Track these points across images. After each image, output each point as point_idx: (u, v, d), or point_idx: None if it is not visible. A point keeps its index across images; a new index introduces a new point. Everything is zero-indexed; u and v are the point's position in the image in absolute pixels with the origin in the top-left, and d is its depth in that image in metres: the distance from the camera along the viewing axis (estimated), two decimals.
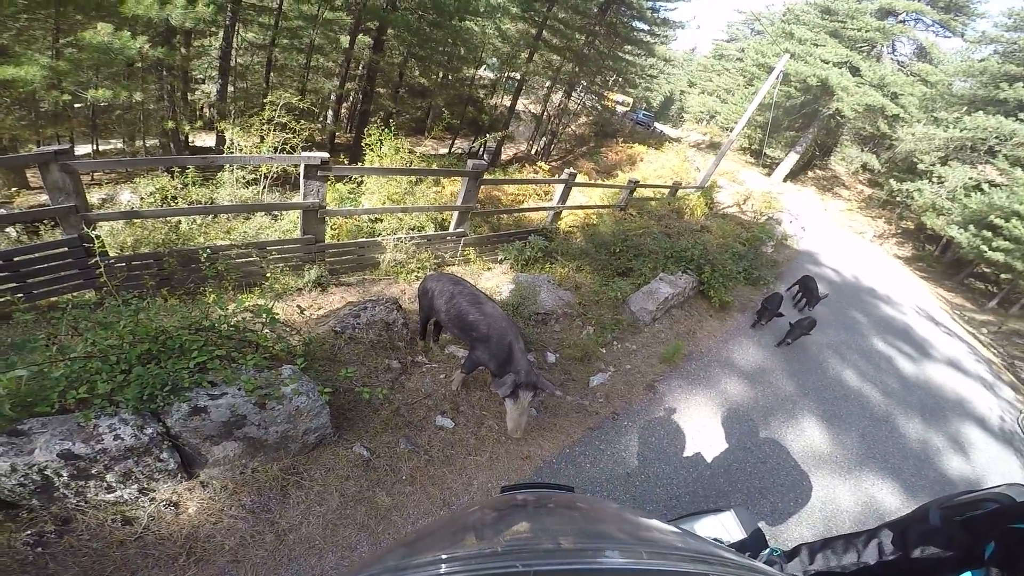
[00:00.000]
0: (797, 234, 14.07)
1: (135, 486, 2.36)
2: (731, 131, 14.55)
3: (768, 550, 1.73)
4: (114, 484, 2.30)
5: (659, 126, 35.88)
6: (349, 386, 3.36)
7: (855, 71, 21.83)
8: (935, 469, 5.17)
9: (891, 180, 20.34)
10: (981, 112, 16.53)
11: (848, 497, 4.26)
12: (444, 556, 0.84)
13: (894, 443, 5.32)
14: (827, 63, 21.48)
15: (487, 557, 0.86)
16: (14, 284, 3.42)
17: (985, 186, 15.70)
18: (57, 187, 3.33)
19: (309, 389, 2.77)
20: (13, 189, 9.85)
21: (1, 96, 9.12)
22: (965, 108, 18.10)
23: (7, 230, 5.07)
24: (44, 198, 4.50)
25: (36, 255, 3.47)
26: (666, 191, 11.09)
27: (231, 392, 2.50)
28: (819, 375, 6.23)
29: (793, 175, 26.90)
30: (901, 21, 22.69)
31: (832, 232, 18.32)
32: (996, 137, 16.32)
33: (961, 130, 17.02)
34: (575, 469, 3.57)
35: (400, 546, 1.22)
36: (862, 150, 24.46)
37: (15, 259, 3.39)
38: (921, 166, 18.55)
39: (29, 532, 2.15)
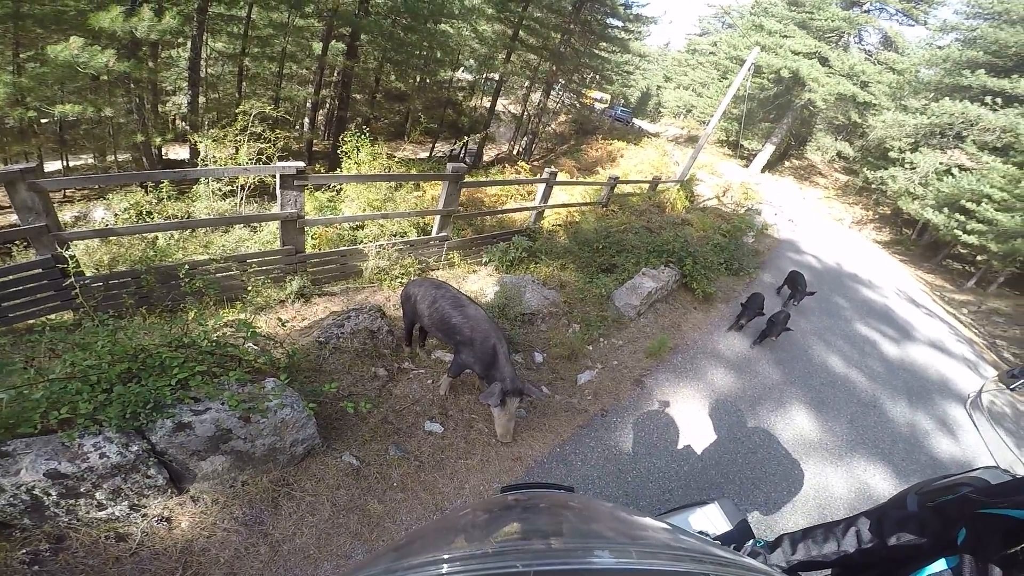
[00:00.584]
0: (778, 223, 14.30)
1: (125, 503, 2.36)
2: (707, 124, 14.74)
3: (752, 541, 1.74)
4: (104, 501, 2.29)
5: (638, 122, 36.12)
6: (336, 397, 3.35)
7: (824, 62, 22.27)
8: (925, 452, 5.23)
9: (865, 168, 20.77)
10: (947, 98, 16.95)
11: (840, 484, 4.32)
12: (444, 556, 0.85)
13: (883, 427, 5.40)
14: (797, 54, 21.88)
15: (487, 557, 0.86)
16: None
17: (955, 171, 16.11)
18: (26, 206, 3.27)
19: (294, 401, 2.76)
20: None
21: None
22: (932, 95, 18.52)
23: None
24: (14, 218, 4.39)
25: (9, 277, 3.40)
26: (646, 186, 11.19)
27: (215, 407, 2.49)
28: (805, 362, 6.31)
29: (771, 166, 27.32)
30: (866, 11, 23.18)
31: (811, 220, 18.61)
32: (963, 122, 16.73)
33: (929, 116, 17.42)
34: (566, 468, 3.59)
35: (393, 549, 1.23)
36: (836, 139, 24.92)
37: None
38: (893, 153, 18.93)
39: (24, 551, 2.15)
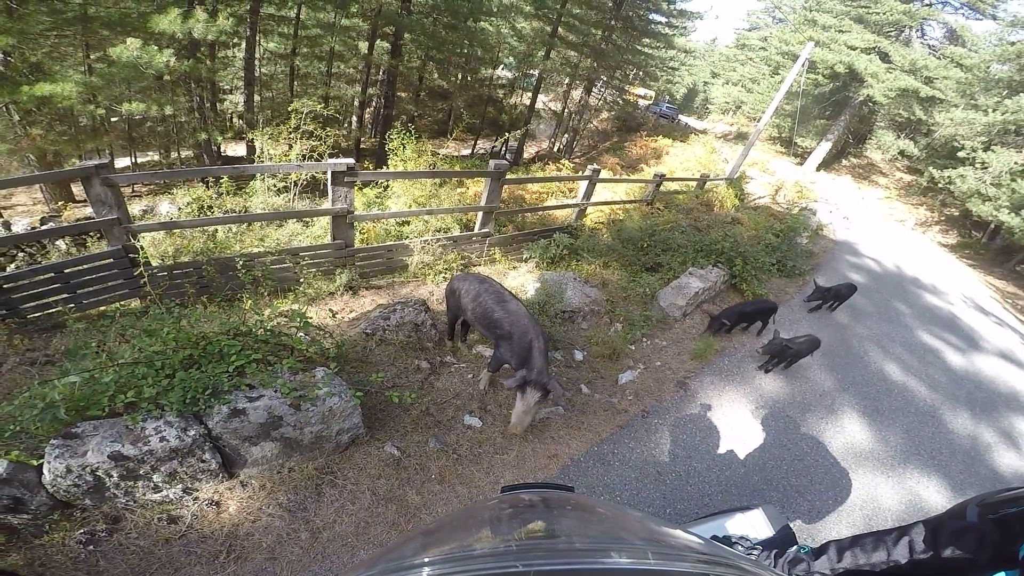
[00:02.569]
0: (834, 223, 13.62)
1: (179, 486, 2.46)
2: (758, 121, 14.18)
3: (796, 547, 1.69)
4: (160, 484, 2.40)
5: (684, 118, 35.18)
6: (380, 388, 3.41)
7: (884, 57, 21.03)
8: (986, 465, 4.90)
9: (931, 168, 19.45)
10: (1022, 95, 15.63)
11: (891, 495, 4.09)
12: (444, 556, 0.86)
13: (941, 438, 5.08)
14: (854, 49, 20.80)
15: (486, 557, 0.87)
16: (66, 295, 3.60)
17: None
18: (100, 200, 3.48)
19: (342, 390, 2.83)
20: (60, 203, 10.36)
21: (41, 112, 9.55)
22: (1005, 92, 17.15)
23: (57, 243, 5.36)
24: (89, 211, 4.74)
25: (84, 266, 3.65)
26: (694, 184, 10.86)
27: (268, 394, 2.58)
28: (860, 369, 6.00)
29: (826, 164, 26.05)
30: (928, 4, 21.75)
31: (871, 221, 17.65)
32: None
33: (1003, 114, 16.12)
34: (604, 468, 3.54)
35: (406, 542, 1.25)
36: (898, 136, 23.47)
37: (66, 270, 3.57)
38: (962, 152, 17.66)
39: (82, 531, 2.27)
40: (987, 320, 10.15)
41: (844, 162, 27.16)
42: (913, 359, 6.76)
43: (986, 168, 16.59)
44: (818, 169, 25.26)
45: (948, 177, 17.88)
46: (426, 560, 0.83)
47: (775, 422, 4.54)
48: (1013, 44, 17.52)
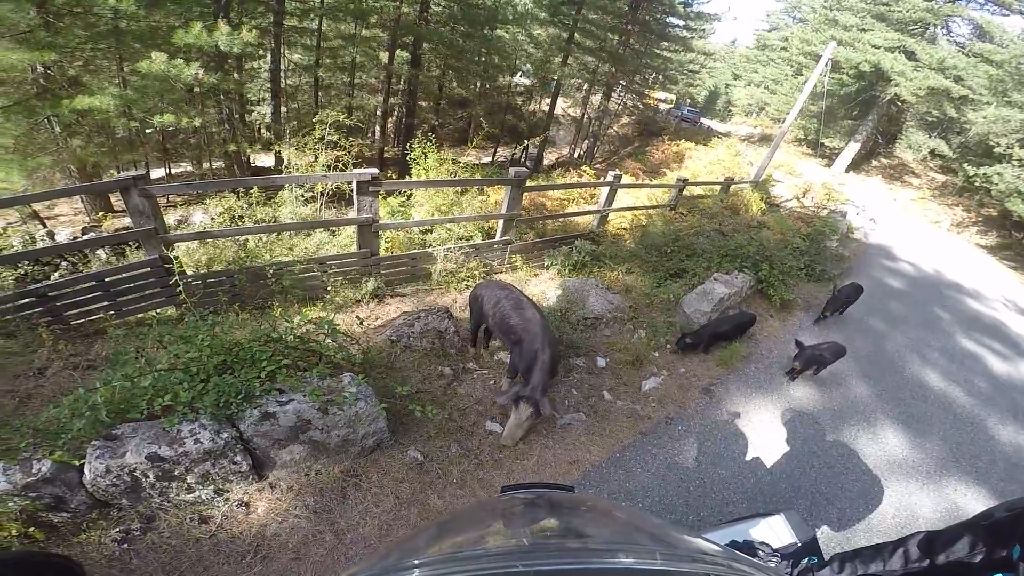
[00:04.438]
0: (865, 226, 13.25)
1: (211, 487, 2.55)
2: (782, 122, 13.93)
3: (807, 559, 1.73)
4: (193, 485, 2.49)
5: (706, 121, 34.76)
6: (404, 399, 3.47)
7: (911, 55, 20.45)
8: None
9: (966, 165, 18.75)
10: None
11: (927, 504, 3.96)
12: (444, 556, 0.86)
13: (982, 447, 4.86)
14: (878, 48, 20.28)
15: (487, 557, 0.87)
16: (106, 302, 3.76)
17: None
18: (138, 211, 3.63)
19: (368, 395, 2.89)
20: (100, 213, 10.82)
21: (81, 125, 9.96)
22: None
23: (98, 252, 5.61)
24: (127, 221, 4.96)
25: (124, 275, 3.81)
26: (718, 188, 10.71)
27: (297, 399, 2.65)
28: (896, 376, 5.82)
29: (855, 165, 25.37)
30: (951, 0, 21.08)
31: (904, 223, 17.16)
32: None
33: None
34: (625, 474, 3.51)
35: (408, 541, 1.26)
36: (930, 136, 22.73)
37: (106, 279, 3.74)
38: (998, 150, 16.99)
39: (118, 529, 2.37)
40: None
41: (874, 163, 26.40)
42: (953, 366, 6.51)
43: None
44: (847, 170, 24.62)
45: (984, 175, 17.22)
46: (427, 560, 0.84)
47: (804, 429, 4.43)
48: None
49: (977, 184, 18.09)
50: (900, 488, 4.03)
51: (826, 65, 12.76)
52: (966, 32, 22.04)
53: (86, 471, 2.27)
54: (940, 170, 24.28)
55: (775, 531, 2.03)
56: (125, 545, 2.33)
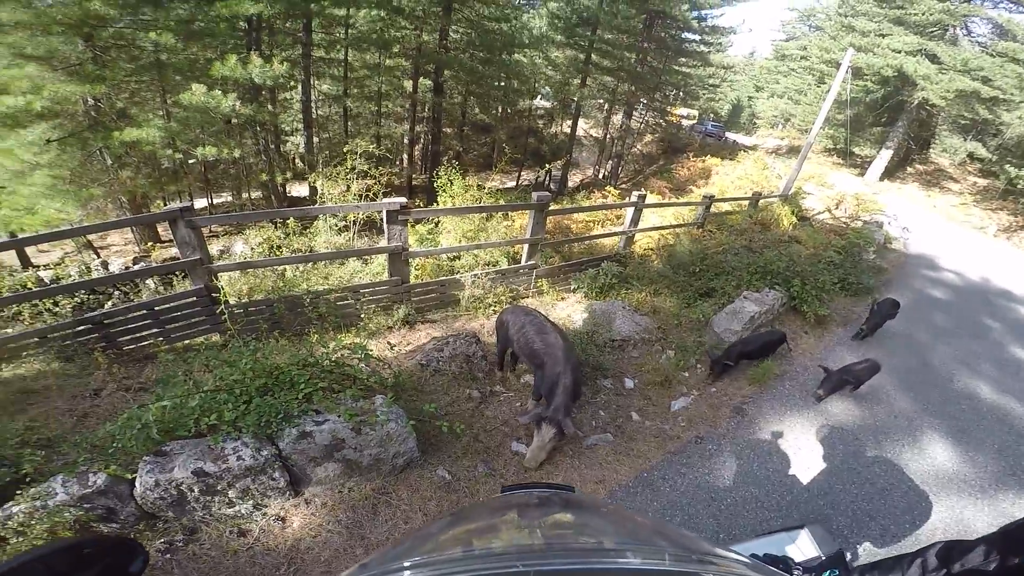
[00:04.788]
0: (903, 236, 12.82)
1: (251, 502, 2.68)
2: (809, 133, 13.73)
3: (828, 571, 1.71)
4: (234, 499, 2.63)
5: (731, 135, 34.47)
6: (434, 415, 3.56)
7: (934, 58, 19.95)
8: None
9: (1007, 167, 17.98)
10: None
11: (981, 518, 3.75)
12: (444, 556, 0.87)
13: None
14: (899, 52, 19.88)
15: (487, 557, 0.87)
16: (156, 329, 4.02)
17: None
18: (185, 242, 3.87)
19: (398, 416, 3.00)
20: (149, 243, 11.47)
21: (130, 156, 10.58)
22: None
23: (147, 281, 5.98)
24: (174, 251, 5.27)
25: (172, 304, 4.06)
26: (746, 203, 10.57)
27: (332, 419, 2.78)
28: (942, 389, 5.57)
29: (890, 173, 24.63)
30: (966, 1, 20.54)
31: (946, 230, 16.47)
32: None
33: None
34: (652, 493, 3.48)
35: (408, 542, 1.27)
36: (965, 139, 21.93)
37: (156, 308, 4.00)
38: None
39: (162, 540, 2.51)
40: None
41: (909, 169, 25.56)
42: (1006, 377, 6.16)
43: None
44: (881, 179, 23.92)
45: None
46: (427, 560, 0.84)
47: (843, 446, 4.28)
48: None
49: (1021, 186, 17.32)
50: (951, 503, 3.85)
51: (847, 72, 12.57)
52: (987, 32, 21.48)
53: (137, 484, 2.43)
54: (980, 174, 23.32)
55: (799, 545, 2.01)
56: (168, 555, 2.46)
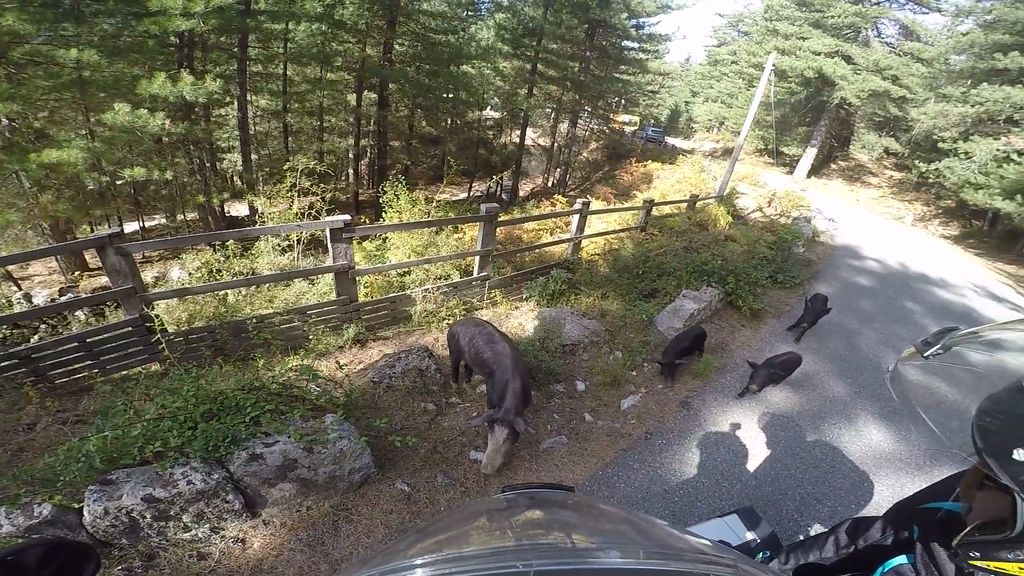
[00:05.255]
0: (830, 229, 13.72)
1: (207, 525, 2.66)
2: (739, 135, 14.58)
3: (760, 553, 1.84)
4: (189, 524, 2.60)
5: (671, 140, 35.96)
6: (388, 431, 3.57)
7: (849, 59, 21.70)
8: None
9: (917, 162, 19.74)
10: (985, 84, 16.04)
11: None
12: (443, 556, 0.87)
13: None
14: (818, 54, 21.51)
15: (486, 557, 0.87)
16: (90, 361, 3.83)
17: (1015, 156, 15.07)
18: (115, 270, 3.69)
19: (350, 433, 3.02)
20: (76, 272, 10.70)
21: (50, 179, 9.74)
22: (969, 82, 17.61)
23: (77, 313, 5.65)
24: (104, 279, 4.97)
25: (106, 335, 3.88)
26: (685, 205, 11.04)
27: (283, 440, 2.78)
28: (872, 372, 5.92)
29: (816, 170, 26.45)
30: (876, 3, 22.56)
31: (868, 221, 17.75)
32: (1011, 107, 15.74)
33: (972, 104, 16.50)
34: (608, 491, 3.61)
35: (405, 541, 1.27)
36: (880, 135, 23.92)
37: (88, 340, 3.81)
38: (943, 144, 17.94)
39: (120, 567, 2.46)
40: (1002, 307, 10.08)
41: (833, 166, 27.54)
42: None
43: (970, 158, 16.81)
44: (808, 176, 25.62)
45: (936, 170, 18.10)
46: (425, 560, 0.84)
47: (785, 432, 4.52)
48: (965, 35, 18.08)
49: (931, 179, 18.96)
50: (891, 481, 4.10)
51: (771, 75, 13.42)
52: (894, 32, 23.48)
53: (85, 513, 2.39)
54: (895, 167, 25.42)
55: (733, 529, 2.14)
56: None
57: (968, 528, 0.95)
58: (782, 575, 1.68)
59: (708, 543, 1.12)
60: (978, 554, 0.89)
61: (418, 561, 0.83)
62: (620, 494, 3.60)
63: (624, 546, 0.99)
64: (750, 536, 2.09)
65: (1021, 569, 0.81)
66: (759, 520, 2.19)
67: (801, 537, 3.39)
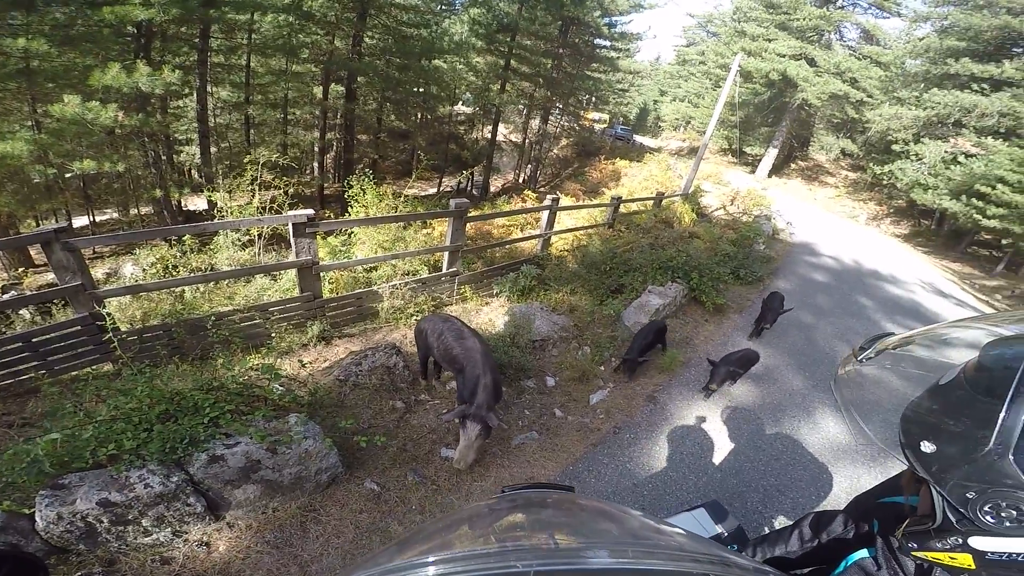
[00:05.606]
0: (788, 227, 14.23)
1: (168, 529, 2.56)
2: (704, 134, 14.95)
3: (728, 547, 1.84)
4: (150, 528, 2.50)
5: (639, 138, 36.50)
6: (355, 430, 3.51)
7: (812, 62, 22.49)
8: None
9: (871, 164, 20.66)
10: (936, 88, 16.91)
11: (876, 483, 4.24)
12: (442, 556, 0.86)
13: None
14: (783, 56, 22.20)
15: (485, 557, 0.86)
16: (36, 362, 3.61)
17: (962, 158, 15.98)
18: (62, 266, 3.49)
19: (315, 433, 2.96)
20: (20, 269, 10.10)
21: None
22: (922, 85, 18.53)
23: (21, 312, 5.31)
24: (51, 276, 4.70)
25: (53, 335, 3.67)
26: (651, 203, 11.27)
27: (244, 441, 2.70)
28: (828, 366, 6.13)
29: (776, 169, 27.34)
30: (840, 7, 23.45)
31: (825, 220, 18.42)
32: (959, 110, 16.64)
33: (924, 108, 17.38)
34: (579, 485, 3.65)
35: (395, 546, 1.28)
36: (838, 137, 24.92)
37: (33, 340, 3.59)
38: (896, 146, 18.83)
39: (79, 574, 2.35)
40: (947, 303, 10.66)
41: (792, 166, 28.56)
42: None
43: (921, 159, 17.71)
44: (769, 175, 26.47)
45: (889, 171, 18.97)
46: (424, 560, 0.83)
47: (747, 425, 4.65)
48: (921, 39, 19.01)
49: (884, 180, 19.88)
50: (848, 473, 4.26)
51: (736, 76, 13.80)
52: (856, 36, 24.41)
53: (37, 519, 2.28)
54: (851, 168, 26.56)
55: (701, 523, 2.17)
56: None
57: (907, 520, 0.99)
58: (761, 568, 1.72)
59: (703, 541, 1.12)
60: (915, 545, 0.93)
61: (416, 561, 0.83)
62: (591, 488, 3.65)
63: (623, 546, 0.98)
64: (718, 530, 2.12)
65: (952, 558, 0.84)
66: (726, 514, 2.23)
67: (767, 530, 3.49)
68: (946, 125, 17.53)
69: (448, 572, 0.76)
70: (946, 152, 16.98)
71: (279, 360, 4.29)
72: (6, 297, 6.65)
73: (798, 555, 1.61)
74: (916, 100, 18.04)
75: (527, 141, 22.66)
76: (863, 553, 1.15)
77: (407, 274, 5.90)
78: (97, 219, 14.51)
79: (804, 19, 22.45)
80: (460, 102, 23.15)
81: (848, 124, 24.34)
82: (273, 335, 4.55)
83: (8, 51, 8.46)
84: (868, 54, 21.90)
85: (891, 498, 1.30)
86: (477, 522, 1.38)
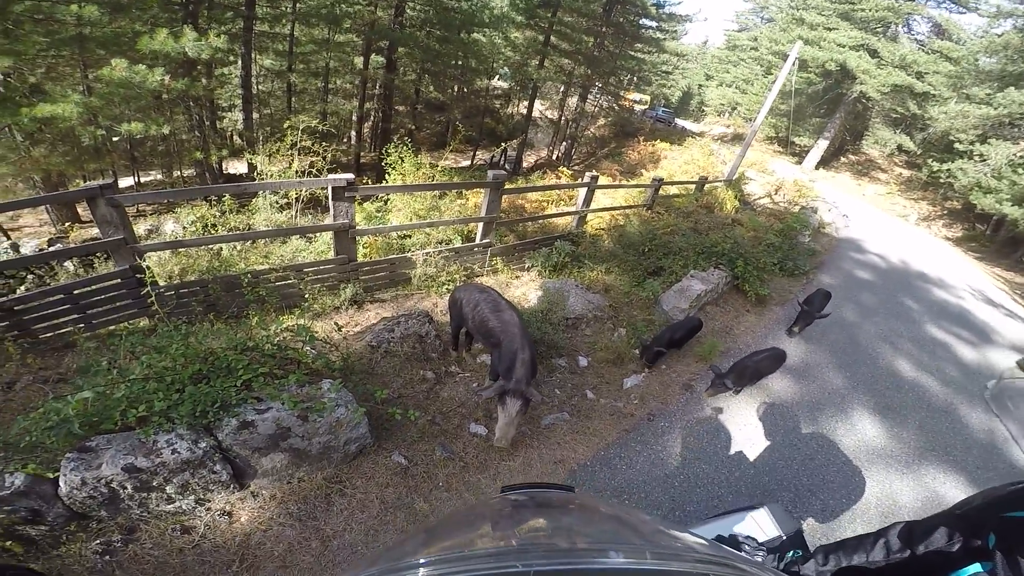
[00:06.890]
0: (836, 221, 13.62)
1: (192, 497, 2.51)
2: (753, 122, 14.26)
3: (791, 552, 1.74)
4: (173, 495, 2.45)
5: (680, 122, 35.33)
6: (386, 400, 3.45)
7: (874, 53, 21.22)
8: (1005, 460, 4.77)
9: (930, 161, 19.45)
10: (1012, 88, 15.66)
11: (907, 492, 4.04)
12: (443, 556, 0.86)
13: (956, 434, 4.99)
14: (843, 47, 21.03)
15: (486, 557, 0.87)
16: (76, 315, 3.66)
17: None
18: (106, 221, 3.54)
19: (348, 401, 2.88)
20: (67, 224, 10.46)
21: (44, 133, 9.55)
22: (996, 84, 17.21)
23: (65, 264, 5.44)
24: (95, 231, 4.79)
25: (93, 287, 3.70)
26: (693, 187, 10.92)
27: (276, 406, 2.62)
28: (870, 366, 5.95)
29: (825, 162, 26.13)
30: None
31: (873, 217, 17.68)
32: None
33: (996, 107, 16.15)
34: (610, 472, 3.54)
35: (407, 541, 1.25)
36: (895, 132, 23.54)
37: (75, 292, 3.63)
38: (959, 145, 17.65)
39: (98, 541, 2.32)
40: (997, 312, 10.04)
41: (842, 159, 27.21)
42: (924, 355, 6.69)
43: (985, 161, 16.56)
44: (817, 167, 25.34)
45: (948, 170, 17.85)
46: (426, 560, 0.84)
47: (784, 422, 4.51)
48: (999, 36, 17.61)
49: (941, 179, 18.74)
50: (881, 478, 4.10)
51: (793, 64, 13.11)
52: (926, 30, 23.00)
53: (61, 483, 2.23)
54: (905, 165, 25.15)
55: (760, 524, 2.04)
56: (107, 557, 2.28)
57: None
58: (761, 568, 1.61)
59: (704, 542, 1.12)
60: None
61: (420, 560, 0.84)
62: (621, 476, 3.53)
63: (626, 547, 1.00)
64: (776, 532, 1.97)
65: None
66: (787, 516, 2.08)
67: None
68: (1017, 126, 16.27)
69: (448, 572, 0.78)
70: (1014, 155, 15.77)
71: (313, 322, 4.25)
72: (52, 249, 6.85)
73: (881, 565, 1.52)
74: (987, 98, 16.74)
75: (563, 118, 22.12)
76: (976, 568, 1.09)
77: (440, 243, 5.86)
78: (141, 180, 14.92)
79: (870, 10, 21.16)
80: (497, 76, 22.75)
81: (908, 120, 22.91)
82: (307, 296, 4.54)
83: (63, 18, 8.62)
84: (938, 49, 20.47)
85: (1020, 512, 1.17)
86: (480, 522, 1.43)
